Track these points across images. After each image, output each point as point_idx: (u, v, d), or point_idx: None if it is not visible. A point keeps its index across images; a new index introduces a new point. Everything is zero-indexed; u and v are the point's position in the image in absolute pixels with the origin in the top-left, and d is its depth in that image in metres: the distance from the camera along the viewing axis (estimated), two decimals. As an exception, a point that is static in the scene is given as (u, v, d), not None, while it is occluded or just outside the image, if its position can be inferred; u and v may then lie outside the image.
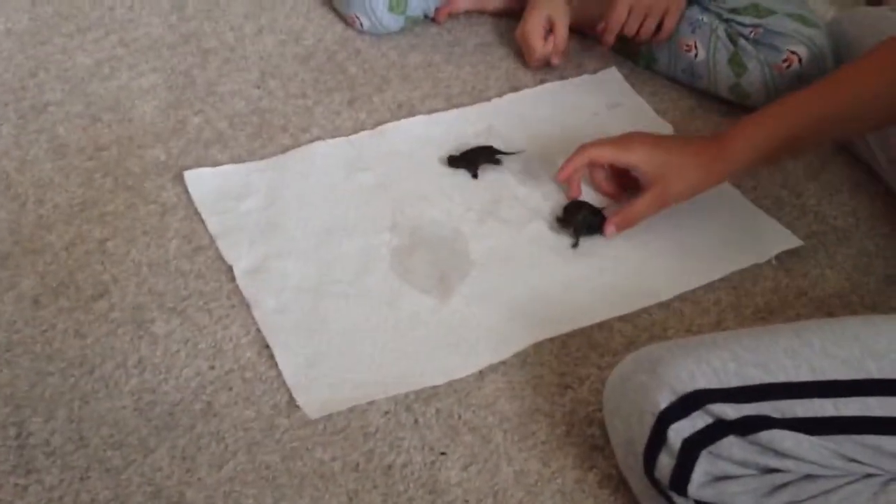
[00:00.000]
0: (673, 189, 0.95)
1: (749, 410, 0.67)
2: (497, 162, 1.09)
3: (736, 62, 1.17)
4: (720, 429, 0.67)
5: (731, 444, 0.67)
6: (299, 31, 1.29)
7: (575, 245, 0.98)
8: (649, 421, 0.68)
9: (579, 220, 1.00)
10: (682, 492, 0.68)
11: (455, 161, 1.08)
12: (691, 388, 0.67)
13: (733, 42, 1.17)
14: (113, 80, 1.17)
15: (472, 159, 1.08)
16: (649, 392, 0.69)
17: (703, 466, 0.67)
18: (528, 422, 0.84)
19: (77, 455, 0.78)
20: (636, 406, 0.69)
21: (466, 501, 0.78)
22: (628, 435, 0.71)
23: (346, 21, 1.27)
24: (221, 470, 0.78)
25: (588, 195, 1.05)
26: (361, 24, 1.26)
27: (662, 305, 0.95)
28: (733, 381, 0.68)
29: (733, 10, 1.19)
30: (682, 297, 0.96)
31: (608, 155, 0.99)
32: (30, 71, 1.18)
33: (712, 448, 0.67)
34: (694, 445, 0.67)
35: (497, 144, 1.13)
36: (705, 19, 1.20)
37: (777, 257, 1.00)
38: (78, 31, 1.24)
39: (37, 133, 1.09)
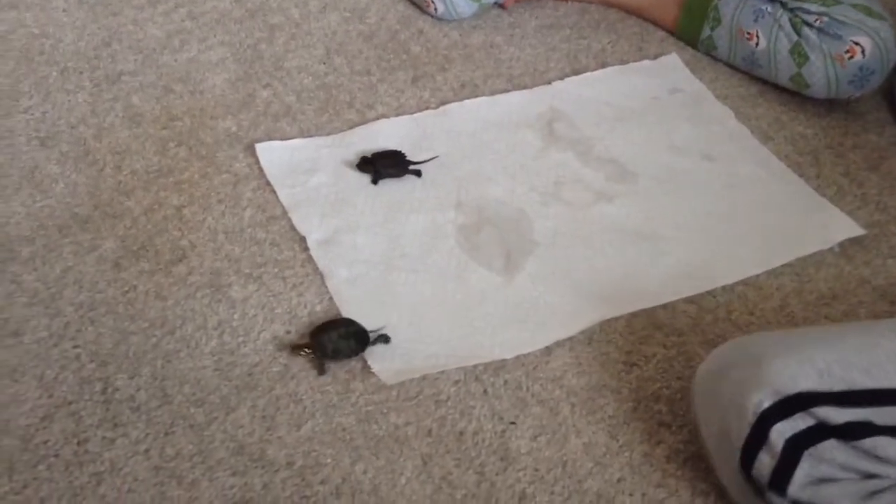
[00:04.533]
0: None
1: (852, 416, 0.67)
2: (417, 173, 1.04)
3: (798, 52, 1.17)
4: (823, 431, 0.67)
5: (833, 448, 0.67)
6: (363, 9, 1.30)
7: (321, 373, 0.84)
8: (749, 418, 0.68)
9: (324, 342, 0.84)
10: (782, 492, 0.68)
11: (363, 165, 1.04)
12: (795, 391, 0.67)
13: (797, 31, 1.17)
14: (183, 52, 1.19)
15: (378, 166, 1.03)
16: (751, 389, 0.68)
17: (805, 468, 0.68)
18: (595, 396, 0.86)
19: (161, 411, 0.81)
20: (735, 400, 0.69)
21: (537, 470, 0.80)
22: (724, 427, 0.71)
23: (419, 5, 1.29)
24: (300, 429, 0.81)
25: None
26: (436, 9, 1.27)
27: (726, 289, 0.96)
28: (837, 385, 0.68)
29: (798, -1, 1.20)
30: (745, 282, 0.97)
31: None
32: (103, 41, 1.20)
33: (814, 450, 0.67)
34: (797, 446, 0.67)
35: (559, 126, 1.14)
36: (769, 9, 1.20)
37: (839, 245, 1.01)
38: (148, 3, 1.26)
39: (112, 101, 1.11)
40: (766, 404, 0.68)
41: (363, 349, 0.86)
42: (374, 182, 1.04)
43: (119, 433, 0.79)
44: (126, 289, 0.91)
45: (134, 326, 0.87)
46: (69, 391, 0.82)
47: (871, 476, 0.68)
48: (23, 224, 0.96)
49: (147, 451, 0.78)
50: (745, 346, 0.74)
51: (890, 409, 0.67)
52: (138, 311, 0.89)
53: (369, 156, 1.06)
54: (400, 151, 1.07)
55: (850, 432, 0.67)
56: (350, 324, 0.86)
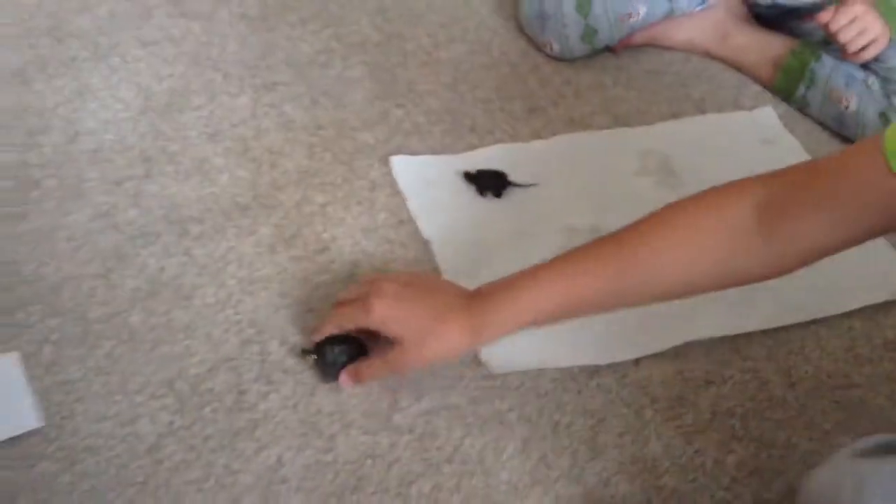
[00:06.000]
0: (427, 350, 0.87)
1: None
2: (504, 190, 1.17)
3: (885, 117, 1.27)
4: None
5: None
6: (487, 43, 1.45)
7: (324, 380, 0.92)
8: None
9: (326, 353, 0.92)
10: None
11: (470, 177, 1.18)
12: None
13: (886, 97, 1.27)
14: (329, 68, 1.36)
15: (483, 182, 1.18)
16: None
17: None
18: (675, 406, 0.97)
19: (306, 375, 0.96)
20: None
21: (622, 463, 0.92)
22: None
23: (537, 45, 1.42)
24: (420, 403, 0.94)
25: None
26: (552, 49, 1.40)
27: (801, 325, 1.07)
28: None
29: (890, 69, 1.29)
30: (817, 320, 1.07)
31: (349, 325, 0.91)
32: (261, 52, 1.37)
33: None
34: None
35: (657, 166, 1.26)
36: (861, 76, 1.30)
37: (910, 297, 1.11)
38: (300, 22, 1.43)
39: (268, 107, 1.28)
40: None
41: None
42: (481, 194, 1.18)
43: (272, 389, 0.94)
44: (279, 270, 1.06)
45: (285, 302, 1.03)
46: (231, 350, 0.98)
47: None
48: (194, 206, 1.12)
49: (295, 405, 0.93)
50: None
51: None
52: (288, 289, 1.04)
53: (475, 172, 1.20)
54: (503, 172, 1.20)
55: None
56: (351, 340, 0.93)
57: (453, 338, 0.87)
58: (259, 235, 1.10)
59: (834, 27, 1.26)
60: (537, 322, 0.86)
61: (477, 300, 0.88)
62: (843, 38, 1.26)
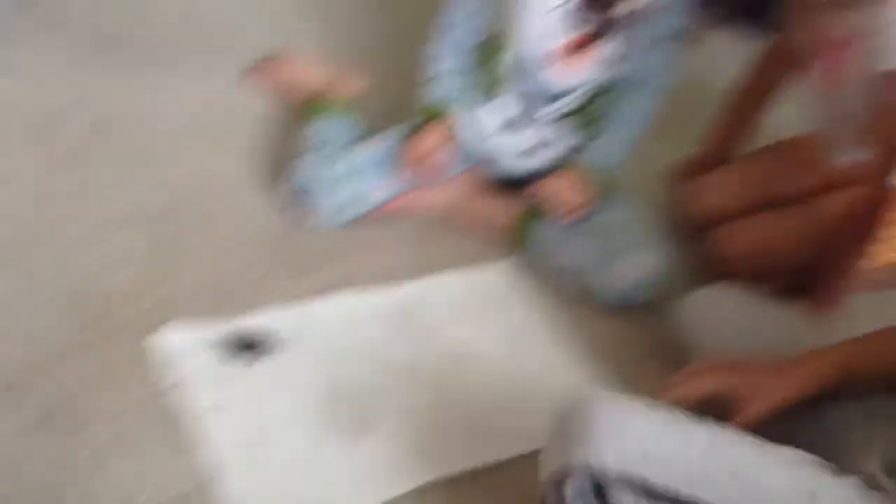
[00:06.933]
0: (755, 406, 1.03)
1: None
2: (261, 352, 1.30)
3: (596, 270, 1.52)
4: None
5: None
6: (256, 213, 1.56)
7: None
8: (553, 476, 0.90)
9: None
10: None
11: (235, 342, 1.29)
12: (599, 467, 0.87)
13: (597, 254, 1.52)
14: (102, 243, 1.41)
15: (248, 345, 1.30)
16: (568, 447, 0.90)
17: None
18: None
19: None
20: (556, 448, 0.93)
21: None
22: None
23: (296, 216, 1.56)
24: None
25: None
26: (314, 219, 1.55)
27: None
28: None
29: (602, 227, 1.55)
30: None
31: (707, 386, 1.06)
32: (33, 236, 1.41)
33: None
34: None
35: (407, 319, 1.42)
36: (574, 235, 1.56)
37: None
38: (79, 195, 1.49)
39: (34, 287, 1.32)
40: (567, 469, 0.89)
41: None
42: (245, 357, 1.28)
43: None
44: (41, 447, 1.09)
45: (46, 480, 1.05)
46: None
47: None
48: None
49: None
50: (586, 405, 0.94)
51: None
52: (48, 466, 1.07)
53: (237, 337, 1.31)
54: (269, 333, 1.32)
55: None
56: None
57: (780, 389, 1.04)
58: (22, 414, 1.13)
59: (539, 197, 1.53)
60: (844, 375, 1.03)
61: (787, 363, 1.06)
62: (546, 205, 1.54)
